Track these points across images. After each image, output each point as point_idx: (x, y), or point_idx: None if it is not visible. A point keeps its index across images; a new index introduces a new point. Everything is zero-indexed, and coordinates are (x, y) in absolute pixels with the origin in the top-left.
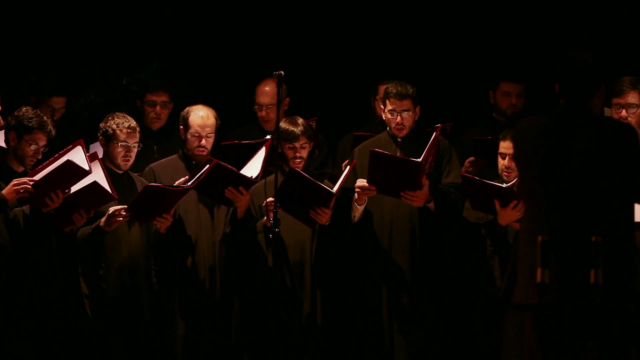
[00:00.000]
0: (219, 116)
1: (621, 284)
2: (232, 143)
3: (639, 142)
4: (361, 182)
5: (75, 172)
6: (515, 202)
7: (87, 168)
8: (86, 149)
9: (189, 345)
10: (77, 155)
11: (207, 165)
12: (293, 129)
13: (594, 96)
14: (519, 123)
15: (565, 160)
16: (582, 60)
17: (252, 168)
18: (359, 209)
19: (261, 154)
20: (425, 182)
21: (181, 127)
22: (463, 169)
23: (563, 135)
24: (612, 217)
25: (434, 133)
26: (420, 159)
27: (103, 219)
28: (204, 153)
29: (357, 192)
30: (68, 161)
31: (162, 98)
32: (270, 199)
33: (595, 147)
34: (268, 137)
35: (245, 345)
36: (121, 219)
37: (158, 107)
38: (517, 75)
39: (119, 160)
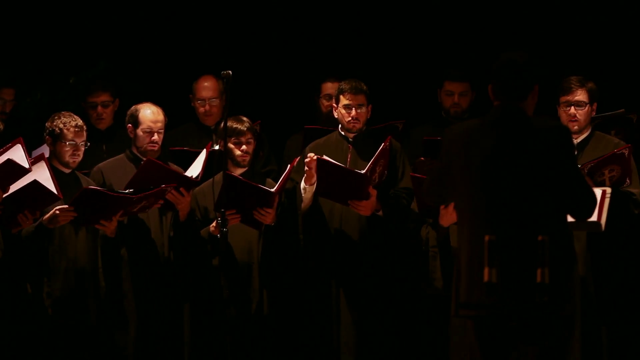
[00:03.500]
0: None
1: (562, 284)
2: (181, 149)
3: (572, 145)
4: (310, 155)
5: (15, 170)
6: None
7: (27, 166)
8: (30, 149)
9: (140, 346)
10: (17, 154)
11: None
12: (238, 125)
13: (528, 97)
14: (449, 129)
15: (502, 162)
16: (515, 61)
17: (193, 169)
18: (308, 195)
19: (202, 156)
20: (373, 192)
21: (129, 125)
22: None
23: (500, 137)
24: (550, 218)
25: (382, 144)
26: (364, 171)
27: (46, 216)
28: (156, 149)
29: (306, 161)
30: (8, 160)
31: (102, 98)
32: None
33: (531, 148)
34: (217, 147)
35: (196, 346)
36: (66, 219)
37: (99, 108)
38: (460, 74)
39: (67, 159)
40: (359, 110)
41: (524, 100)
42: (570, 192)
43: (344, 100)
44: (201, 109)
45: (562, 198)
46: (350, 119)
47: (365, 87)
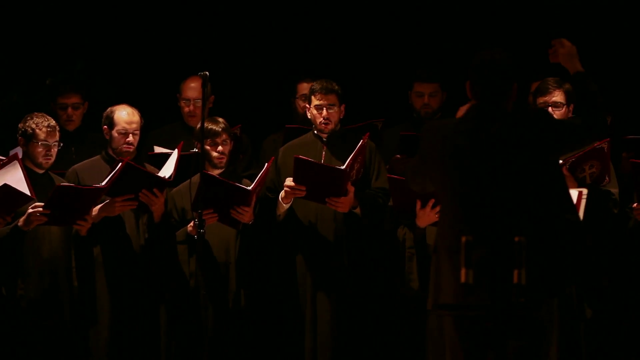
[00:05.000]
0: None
1: (544, 283)
2: (159, 153)
3: (554, 119)
4: (290, 181)
5: None
6: (433, 201)
7: None
8: (6, 150)
9: (113, 347)
10: None
11: (119, 165)
12: (213, 126)
13: (507, 96)
14: (427, 125)
15: (483, 163)
16: (494, 60)
17: (165, 169)
18: (284, 207)
19: (174, 156)
20: (351, 188)
21: (105, 126)
22: (387, 166)
23: (480, 137)
24: (536, 215)
25: (361, 141)
26: (344, 167)
27: (22, 219)
28: (131, 150)
29: (286, 191)
30: None
31: (73, 100)
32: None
33: (514, 146)
34: (195, 149)
35: (172, 347)
36: (40, 220)
37: (69, 109)
38: (429, 75)
39: (40, 160)
40: (330, 111)
41: (504, 99)
42: (574, 127)
43: (315, 101)
44: (186, 109)
45: (570, 137)
46: (321, 119)
47: (336, 86)
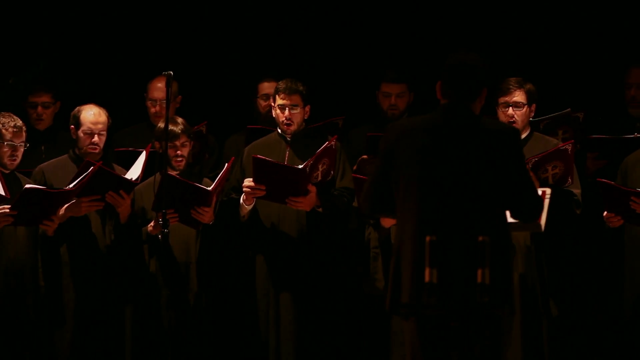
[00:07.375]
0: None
1: (502, 285)
2: (125, 150)
3: (521, 147)
4: (249, 181)
5: None
6: None
7: None
8: None
9: (77, 348)
10: None
11: (90, 169)
12: (172, 127)
13: (476, 99)
14: (393, 124)
15: (446, 161)
16: (468, 62)
17: (133, 171)
18: (246, 209)
19: (141, 158)
20: (312, 188)
21: (72, 126)
22: (354, 167)
23: (444, 136)
24: (491, 218)
25: (327, 143)
26: (302, 166)
27: None
28: (97, 151)
29: (246, 191)
30: None
31: (43, 99)
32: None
33: (478, 148)
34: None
35: (136, 348)
36: (6, 221)
37: (39, 108)
38: (397, 75)
39: (5, 160)
40: (293, 111)
41: (472, 101)
42: (517, 195)
43: (278, 100)
44: (152, 110)
45: (507, 199)
46: (283, 119)
47: (301, 87)
